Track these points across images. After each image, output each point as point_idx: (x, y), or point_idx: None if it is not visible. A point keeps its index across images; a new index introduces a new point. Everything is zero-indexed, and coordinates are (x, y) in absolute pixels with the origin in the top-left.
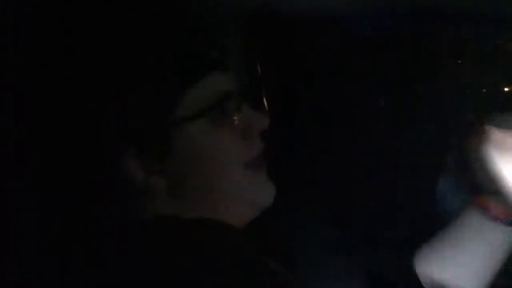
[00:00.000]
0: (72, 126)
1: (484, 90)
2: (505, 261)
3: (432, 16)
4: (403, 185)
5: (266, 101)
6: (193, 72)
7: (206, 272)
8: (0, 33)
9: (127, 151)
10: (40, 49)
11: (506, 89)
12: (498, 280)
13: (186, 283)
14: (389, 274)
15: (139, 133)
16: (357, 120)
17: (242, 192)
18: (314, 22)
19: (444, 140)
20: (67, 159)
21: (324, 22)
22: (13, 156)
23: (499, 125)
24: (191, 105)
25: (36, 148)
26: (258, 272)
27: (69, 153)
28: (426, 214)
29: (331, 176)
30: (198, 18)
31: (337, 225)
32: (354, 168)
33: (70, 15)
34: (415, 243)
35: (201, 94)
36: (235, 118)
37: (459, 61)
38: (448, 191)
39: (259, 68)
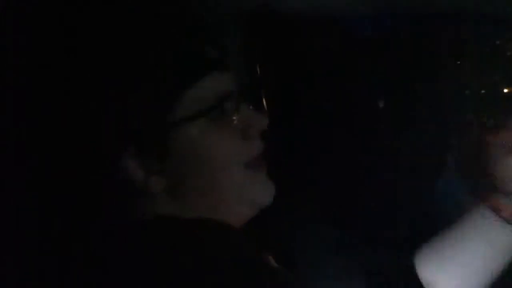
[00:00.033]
0: (72, 126)
1: (484, 90)
2: (509, 262)
3: (432, 16)
4: (403, 185)
5: (266, 101)
6: (193, 72)
7: (206, 272)
8: (0, 33)
9: (127, 151)
10: (40, 49)
11: (505, 90)
12: (500, 281)
13: (186, 283)
14: (389, 274)
15: (139, 133)
16: (357, 120)
17: (242, 192)
18: (314, 22)
19: (444, 140)
20: (67, 159)
21: (324, 22)
22: (13, 156)
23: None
24: (190, 105)
25: (36, 148)
26: (258, 272)
27: (69, 153)
28: (426, 214)
29: (331, 176)
30: (198, 18)
31: (337, 225)
32: (354, 168)
33: (70, 15)
34: (415, 243)
35: (200, 94)
36: (234, 118)
37: (459, 61)
38: (448, 191)
39: (258, 69)
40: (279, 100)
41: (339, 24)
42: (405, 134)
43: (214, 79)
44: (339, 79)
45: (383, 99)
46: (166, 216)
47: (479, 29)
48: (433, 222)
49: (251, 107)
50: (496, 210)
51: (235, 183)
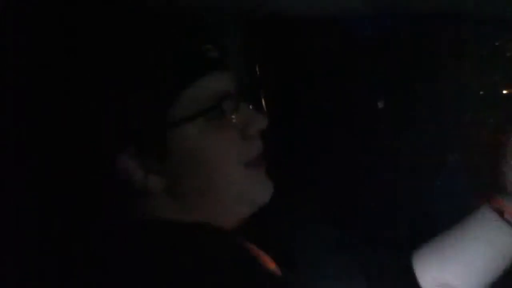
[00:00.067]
0: (72, 126)
1: (484, 90)
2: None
3: (432, 16)
4: (403, 185)
5: (265, 101)
6: (193, 72)
7: (206, 272)
8: (0, 33)
9: (127, 151)
10: (40, 49)
11: (504, 91)
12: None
13: (186, 283)
14: (389, 274)
15: (139, 133)
16: (357, 120)
17: (241, 191)
18: (314, 22)
19: (444, 140)
20: (67, 159)
21: (324, 22)
22: (13, 156)
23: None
24: (190, 105)
25: (36, 148)
26: (258, 272)
27: (69, 153)
28: (426, 214)
29: (331, 176)
30: (198, 18)
31: (337, 225)
32: (354, 168)
33: (70, 15)
34: (415, 243)
35: (200, 94)
36: (234, 118)
37: (459, 61)
38: (448, 191)
39: (258, 69)
40: (279, 100)
41: (339, 24)
42: (405, 134)
43: (213, 79)
44: (339, 79)
45: (383, 99)
46: (166, 216)
47: (479, 29)
48: (433, 222)
49: (250, 107)
50: (499, 211)
51: (235, 183)
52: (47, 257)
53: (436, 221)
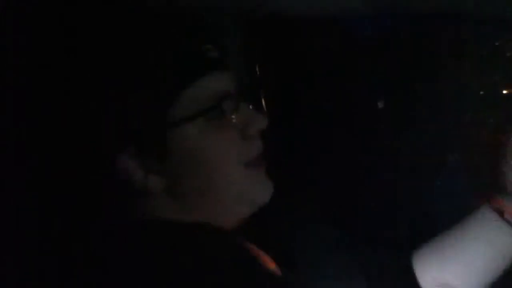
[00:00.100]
0: (72, 126)
1: (484, 90)
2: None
3: (432, 16)
4: (403, 185)
5: (265, 101)
6: (193, 72)
7: (206, 272)
8: (0, 33)
9: (127, 151)
10: (40, 49)
11: (504, 91)
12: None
13: (186, 283)
14: (388, 274)
15: (139, 133)
16: (356, 120)
17: (241, 191)
18: (314, 22)
19: (444, 140)
20: (67, 159)
21: (324, 22)
22: (13, 156)
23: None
24: (190, 104)
25: (36, 148)
26: (258, 272)
27: (69, 153)
28: (426, 214)
29: (331, 176)
30: (198, 18)
31: (337, 225)
32: (354, 168)
33: (70, 15)
34: (415, 243)
35: (200, 94)
36: (234, 118)
37: (459, 61)
38: (448, 191)
39: (258, 68)
40: (279, 100)
41: (339, 24)
42: (405, 134)
43: (213, 79)
44: (339, 79)
45: (383, 99)
46: (166, 216)
47: (479, 29)
48: (433, 222)
49: (250, 107)
50: (499, 211)
51: (235, 183)
52: (47, 257)
53: (436, 221)
